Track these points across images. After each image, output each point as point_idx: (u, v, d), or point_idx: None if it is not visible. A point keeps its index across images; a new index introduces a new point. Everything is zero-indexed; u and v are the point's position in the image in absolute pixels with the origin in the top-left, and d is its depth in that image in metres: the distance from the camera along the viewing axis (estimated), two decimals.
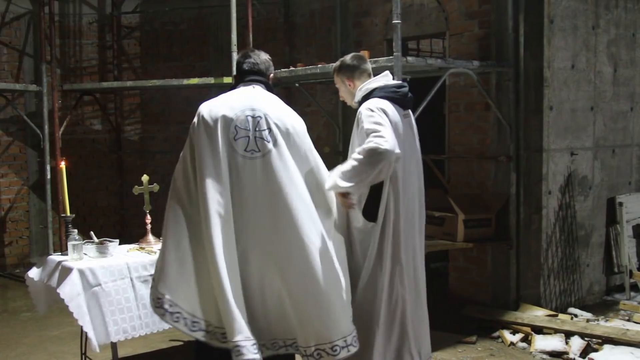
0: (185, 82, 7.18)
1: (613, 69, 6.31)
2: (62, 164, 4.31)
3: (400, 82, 3.86)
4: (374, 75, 3.83)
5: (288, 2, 7.94)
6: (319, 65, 5.76)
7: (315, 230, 3.23)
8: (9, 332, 5.69)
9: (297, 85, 6.95)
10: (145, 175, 4.50)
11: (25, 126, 7.91)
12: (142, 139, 8.71)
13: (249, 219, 3.16)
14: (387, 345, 3.75)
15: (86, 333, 3.72)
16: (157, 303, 3.23)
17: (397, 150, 3.39)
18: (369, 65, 3.87)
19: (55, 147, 7.27)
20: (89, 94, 8.17)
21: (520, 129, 5.79)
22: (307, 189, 3.27)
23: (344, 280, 3.32)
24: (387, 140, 3.33)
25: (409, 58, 4.94)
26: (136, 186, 4.47)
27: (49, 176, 7.32)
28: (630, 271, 6.28)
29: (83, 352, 4.32)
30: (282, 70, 6.25)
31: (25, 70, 8.13)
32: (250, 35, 6.47)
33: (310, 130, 3.49)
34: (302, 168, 3.28)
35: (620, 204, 6.31)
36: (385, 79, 3.80)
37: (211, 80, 6.94)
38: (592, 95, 6.13)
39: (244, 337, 3.09)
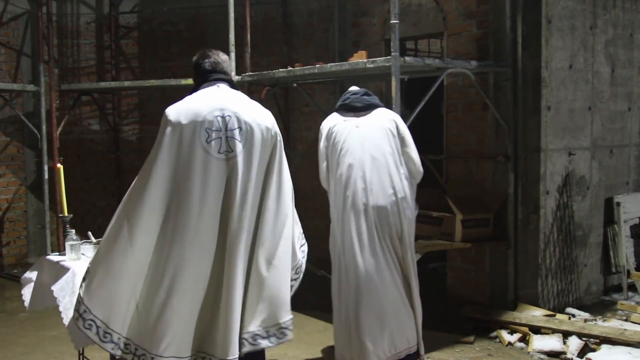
0: (183, 82, 7.17)
1: (611, 69, 6.32)
2: (60, 164, 4.30)
3: (353, 89, 4.49)
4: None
5: (286, 2, 7.94)
6: (317, 65, 5.76)
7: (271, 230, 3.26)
8: (7, 333, 5.69)
9: (295, 85, 6.95)
10: None
11: (23, 126, 7.91)
12: (140, 139, 8.71)
13: (228, 221, 3.12)
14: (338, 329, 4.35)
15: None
16: (76, 306, 3.19)
17: (323, 184, 4.51)
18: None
19: (53, 147, 7.27)
20: (86, 94, 8.17)
21: (518, 129, 5.80)
22: (273, 189, 3.27)
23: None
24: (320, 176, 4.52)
25: (407, 58, 4.94)
26: None
27: (46, 176, 7.31)
28: (628, 271, 6.28)
29: (81, 352, 4.32)
30: (280, 70, 6.24)
31: (23, 70, 8.12)
32: (248, 36, 6.47)
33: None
34: (267, 166, 3.27)
35: (618, 204, 6.32)
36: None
37: None
38: (590, 95, 6.14)
39: (173, 354, 3.07)
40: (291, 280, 3.38)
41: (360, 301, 4.18)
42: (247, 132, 3.17)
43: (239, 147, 3.14)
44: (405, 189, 4.24)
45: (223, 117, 3.14)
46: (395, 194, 4.19)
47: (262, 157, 3.22)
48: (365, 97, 4.36)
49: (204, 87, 3.31)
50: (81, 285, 3.25)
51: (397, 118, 4.35)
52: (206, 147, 3.10)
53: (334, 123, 4.39)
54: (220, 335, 3.10)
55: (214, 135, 3.11)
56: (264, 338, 3.21)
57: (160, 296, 3.10)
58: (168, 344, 3.06)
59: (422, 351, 4.38)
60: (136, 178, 3.20)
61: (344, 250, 4.24)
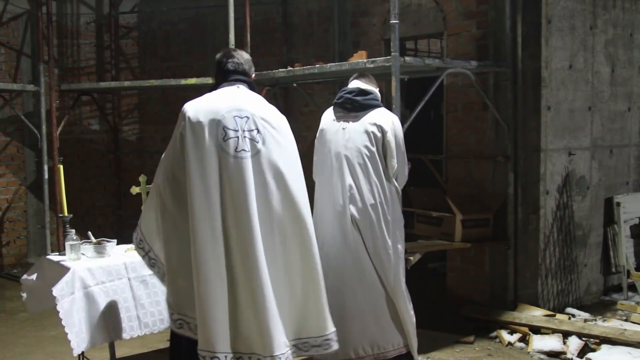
0: (183, 82, 7.18)
1: (611, 69, 6.32)
2: (60, 164, 4.31)
3: (349, 87, 4.39)
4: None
5: (286, 2, 7.94)
6: (317, 65, 5.76)
7: (301, 229, 3.29)
8: (6, 332, 5.69)
9: (294, 85, 6.95)
10: (142, 175, 4.50)
11: (22, 126, 7.90)
12: (140, 139, 8.71)
13: (239, 220, 3.15)
14: None
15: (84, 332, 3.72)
16: (172, 317, 3.29)
17: (314, 176, 4.45)
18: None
19: (53, 147, 7.27)
20: (86, 94, 8.17)
21: (518, 129, 5.80)
22: (302, 185, 3.32)
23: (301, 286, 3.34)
24: None
25: (407, 58, 4.94)
26: (134, 186, 4.47)
27: (46, 176, 7.31)
28: (628, 271, 6.28)
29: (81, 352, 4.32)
30: (280, 70, 6.24)
31: (22, 70, 8.12)
32: (248, 35, 6.47)
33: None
34: (289, 167, 3.29)
35: (618, 204, 6.31)
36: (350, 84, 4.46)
37: (209, 80, 6.93)
38: (590, 96, 6.14)
39: (214, 350, 3.12)
40: None
41: (338, 299, 4.19)
42: (263, 134, 3.23)
43: (255, 147, 3.20)
44: (386, 193, 4.23)
45: (240, 118, 3.21)
46: (373, 198, 4.19)
47: (277, 159, 3.25)
48: (358, 97, 4.29)
49: (223, 87, 3.39)
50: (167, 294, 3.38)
51: (387, 123, 4.25)
52: (222, 145, 3.16)
53: (326, 121, 4.43)
54: (259, 333, 3.13)
55: (231, 134, 3.17)
56: (335, 341, 3.40)
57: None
58: (204, 339, 3.12)
59: (415, 355, 4.37)
60: (158, 178, 3.32)
61: (322, 249, 4.23)
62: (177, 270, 3.24)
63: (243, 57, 3.48)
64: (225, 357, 3.13)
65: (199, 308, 3.11)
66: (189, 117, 3.19)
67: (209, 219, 3.11)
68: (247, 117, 3.22)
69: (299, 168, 3.36)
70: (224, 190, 3.14)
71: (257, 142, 3.20)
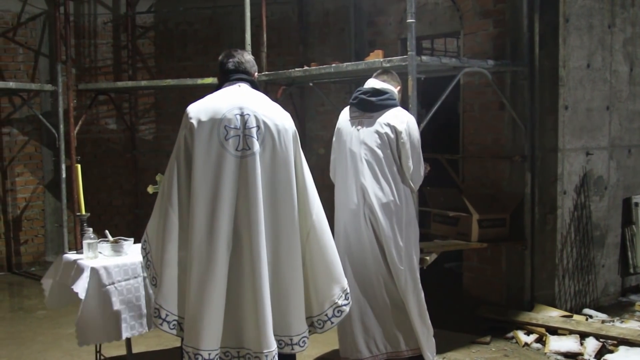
0: (200, 81, 7.20)
1: (629, 68, 6.26)
2: (77, 163, 4.34)
3: (365, 87, 4.44)
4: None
5: (302, 2, 7.94)
6: (333, 65, 5.75)
7: (291, 232, 3.26)
8: (24, 330, 5.74)
9: (311, 84, 6.95)
10: (159, 175, 4.51)
11: (40, 125, 7.97)
12: (157, 138, 8.74)
13: (242, 218, 3.16)
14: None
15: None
16: (155, 312, 3.26)
17: (331, 176, 4.57)
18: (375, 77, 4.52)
19: (71, 146, 7.32)
20: (103, 94, 8.21)
21: (535, 129, 5.76)
22: (294, 188, 3.28)
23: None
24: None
25: (423, 57, 4.92)
26: (150, 185, 4.49)
27: (64, 175, 7.36)
28: None
29: (98, 349, 4.35)
30: (296, 69, 6.24)
31: (40, 70, 8.19)
32: (264, 35, 6.48)
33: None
34: (290, 166, 3.27)
35: (636, 204, 6.26)
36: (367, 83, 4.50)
37: None
38: (608, 95, 6.09)
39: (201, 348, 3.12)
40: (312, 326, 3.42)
41: (357, 297, 4.25)
42: (265, 132, 3.22)
43: (256, 145, 3.18)
44: (400, 194, 4.27)
45: (242, 116, 3.20)
46: (386, 197, 4.23)
47: (280, 157, 3.24)
48: (372, 98, 4.32)
49: (225, 86, 3.38)
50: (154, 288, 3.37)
51: (401, 124, 4.26)
52: (224, 144, 3.15)
53: (342, 121, 4.50)
54: (255, 329, 3.13)
55: (232, 132, 3.17)
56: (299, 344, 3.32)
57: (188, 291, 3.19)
58: (190, 336, 3.14)
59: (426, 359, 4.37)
60: (165, 177, 3.30)
61: (341, 245, 4.27)
62: (181, 273, 3.25)
63: (244, 56, 3.47)
64: (209, 354, 3.12)
65: (192, 305, 3.11)
66: (191, 118, 3.19)
67: (209, 217, 3.12)
68: (248, 115, 3.20)
69: (302, 168, 3.34)
70: (225, 189, 3.13)
71: (258, 140, 3.19)
